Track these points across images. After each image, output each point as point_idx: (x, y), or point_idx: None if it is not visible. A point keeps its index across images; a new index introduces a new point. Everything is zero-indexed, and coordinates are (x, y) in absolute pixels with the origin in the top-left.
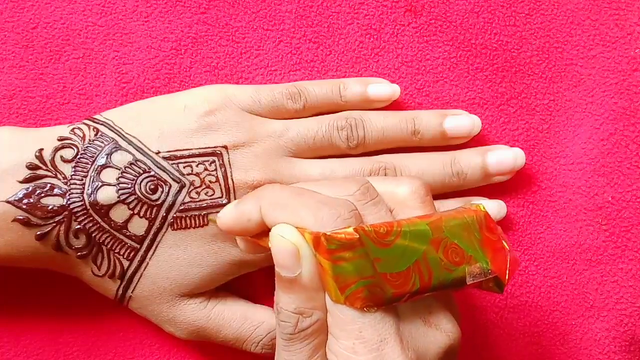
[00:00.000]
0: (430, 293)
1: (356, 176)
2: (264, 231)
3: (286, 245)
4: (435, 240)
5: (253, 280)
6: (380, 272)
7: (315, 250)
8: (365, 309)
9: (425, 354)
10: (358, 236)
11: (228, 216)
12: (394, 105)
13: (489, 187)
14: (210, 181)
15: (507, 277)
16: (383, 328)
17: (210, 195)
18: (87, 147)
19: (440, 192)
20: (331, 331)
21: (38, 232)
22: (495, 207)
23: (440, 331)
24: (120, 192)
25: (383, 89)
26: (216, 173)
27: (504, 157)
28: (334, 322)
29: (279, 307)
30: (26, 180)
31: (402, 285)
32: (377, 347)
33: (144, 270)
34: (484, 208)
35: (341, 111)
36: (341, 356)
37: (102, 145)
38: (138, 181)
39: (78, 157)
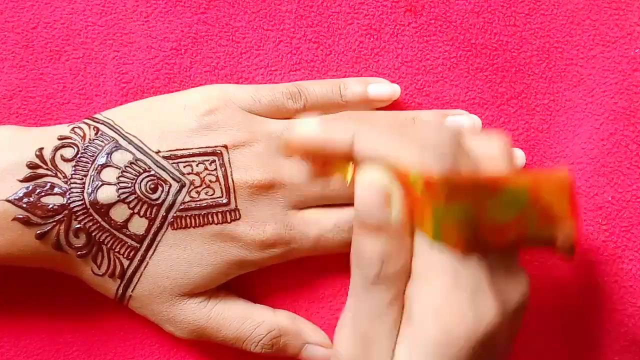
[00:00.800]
0: (521, 247)
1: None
2: (335, 159)
3: (377, 189)
4: (533, 198)
5: (253, 280)
6: (482, 221)
7: (425, 190)
8: (464, 253)
9: (509, 303)
10: (468, 181)
11: (312, 130)
12: (394, 105)
13: None
14: (210, 180)
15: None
16: (479, 275)
17: (210, 195)
18: (87, 146)
19: None
20: (422, 276)
21: (38, 231)
22: None
23: (518, 284)
24: (121, 191)
25: (383, 88)
26: (216, 172)
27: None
28: (427, 267)
29: (360, 253)
30: (26, 179)
31: (501, 236)
32: (471, 295)
33: (144, 269)
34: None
35: (341, 111)
36: (429, 302)
37: (103, 144)
38: (138, 180)
39: (78, 156)
